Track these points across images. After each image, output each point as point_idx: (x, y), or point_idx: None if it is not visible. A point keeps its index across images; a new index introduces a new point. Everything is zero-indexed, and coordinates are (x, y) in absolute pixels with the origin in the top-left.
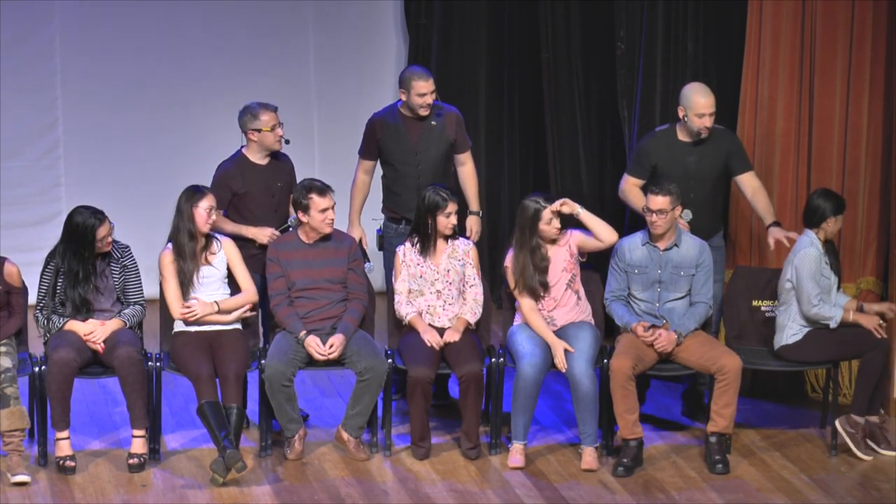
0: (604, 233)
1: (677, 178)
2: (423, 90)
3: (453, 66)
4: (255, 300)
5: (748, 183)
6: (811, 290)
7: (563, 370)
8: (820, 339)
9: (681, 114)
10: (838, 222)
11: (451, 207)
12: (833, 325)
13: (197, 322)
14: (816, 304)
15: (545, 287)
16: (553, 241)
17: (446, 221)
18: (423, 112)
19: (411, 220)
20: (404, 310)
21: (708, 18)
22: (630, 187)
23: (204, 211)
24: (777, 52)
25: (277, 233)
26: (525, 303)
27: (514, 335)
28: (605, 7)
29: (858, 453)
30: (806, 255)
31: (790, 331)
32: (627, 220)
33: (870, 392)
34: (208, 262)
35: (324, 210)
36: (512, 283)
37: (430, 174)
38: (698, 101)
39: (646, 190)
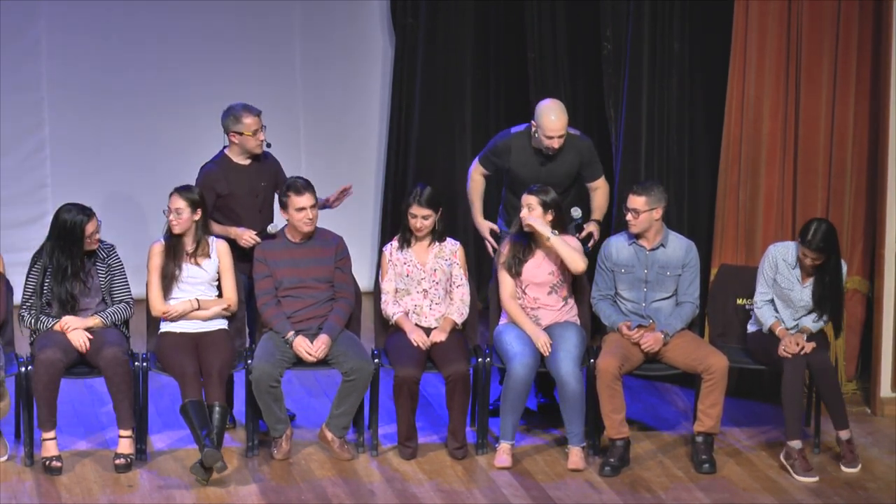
0: (570, 262)
1: (528, 182)
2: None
3: (439, 66)
4: (234, 309)
5: (594, 185)
6: (758, 287)
7: (547, 354)
8: (763, 341)
9: (532, 128)
10: (807, 256)
11: (416, 209)
12: (764, 329)
13: (180, 318)
14: (759, 305)
15: (518, 274)
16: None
17: (413, 220)
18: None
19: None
20: (391, 309)
21: (694, 18)
22: (475, 175)
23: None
24: (763, 53)
25: (257, 237)
26: (505, 286)
27: (502, 335)
28: (592, 7)
29: (797, 478)
30: (767, 251)
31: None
32: (614, 219)
33: (797, 414)
34: (198, 263)
35: (300, 209)
36: (499, 256)
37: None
38: (548, 124)
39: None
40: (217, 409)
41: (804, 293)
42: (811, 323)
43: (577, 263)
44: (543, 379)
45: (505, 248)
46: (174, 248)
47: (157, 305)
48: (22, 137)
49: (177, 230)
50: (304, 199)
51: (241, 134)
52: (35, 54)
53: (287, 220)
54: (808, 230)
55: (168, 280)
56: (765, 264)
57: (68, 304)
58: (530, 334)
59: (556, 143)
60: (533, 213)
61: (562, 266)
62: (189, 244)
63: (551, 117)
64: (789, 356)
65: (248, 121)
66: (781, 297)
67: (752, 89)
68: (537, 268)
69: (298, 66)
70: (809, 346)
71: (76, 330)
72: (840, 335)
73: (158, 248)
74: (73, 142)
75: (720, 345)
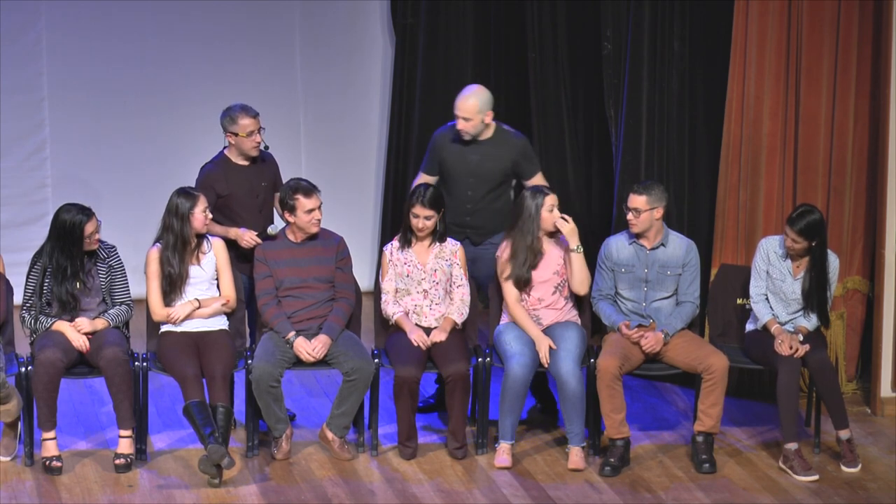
0: (576, 282)
1: (459, 174)
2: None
3: (440, 66)
4: (233, 305)
5: (531, 183)
6: (752, 282)
7: (547, 365)
8: (759, 340)
9: None
10: (788, 237)
11: (419, 210)
12: (758, 326)
13: (185, 320)
14: (755, 300)
15: (528, 282)
16: (552, 235)
17: (415, 221)
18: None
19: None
20: (391, 309)
21: (694, 18)
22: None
23: (201, 214)
24: (763, 52)
25: (257, 238)
26: (510, 293)
27: (502, 335)
28: (592, 7)
29: (797, 478)
30: (759, 244)
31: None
32: (614, 219)
33: (792, 417)
34: (198, 263)
35: (310, 211)
36: (500, 269)
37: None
38: (456, 102)
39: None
40: (221, 409)
41: (796, 286)
42: (806, 322)
43: (584, 286)
44: (539, 381)
45: (505, 254)
46: (180, 250)
47: (159, 311)
48: (22, 137)
49: (204, 230)
50: (313, 201)
51: (236, 135)
52: (35, 54)
53: (289, 222)
54: (795, 211)
55: (178, 282)
56: (757, 257)
57: (69, 304)
58: (536, 341)
59: (459, 124)
60: (555, 214)
61: (563, 267)
62: (192, 245)
63: (460, 96)
64: (783, 353)
65: (245, 122)
66: (775, 290)
67: (752, 89)
68: (546, 265)
69: (298, 66)
70: (803, 350)
71: (78, 325)
72: (828, 326)
73: (156, 254)
74: (73, 142)
75: (720, 345)
